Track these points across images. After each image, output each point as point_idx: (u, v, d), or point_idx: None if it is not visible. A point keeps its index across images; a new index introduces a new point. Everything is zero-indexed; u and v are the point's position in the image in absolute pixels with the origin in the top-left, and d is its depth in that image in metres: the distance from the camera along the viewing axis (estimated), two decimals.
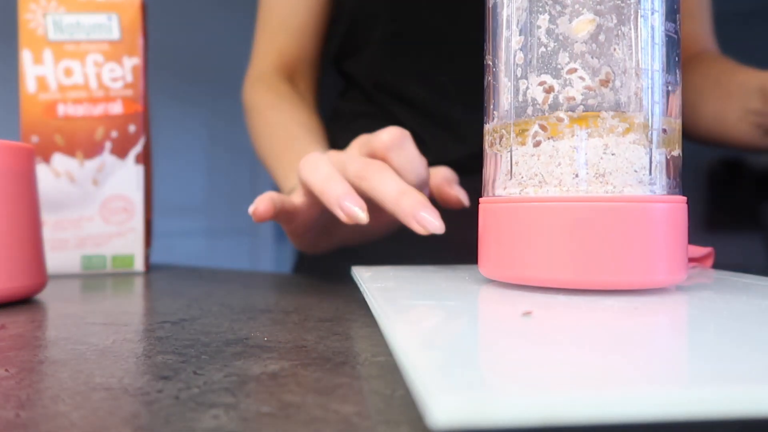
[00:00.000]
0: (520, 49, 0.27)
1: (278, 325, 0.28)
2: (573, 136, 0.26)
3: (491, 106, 0.29)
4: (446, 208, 0.39)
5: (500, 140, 0.28)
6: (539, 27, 0.27)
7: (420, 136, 0.59)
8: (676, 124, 0.28)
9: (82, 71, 0.51)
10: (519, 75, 0.27)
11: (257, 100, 0.62)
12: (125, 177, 0.51)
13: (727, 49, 0.65)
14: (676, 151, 0.28)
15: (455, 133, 0.58)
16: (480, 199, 0.30)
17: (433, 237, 0.58)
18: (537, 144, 0.27)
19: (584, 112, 0.26)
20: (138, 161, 0.52)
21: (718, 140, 0.57)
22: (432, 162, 0.58)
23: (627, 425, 0.13)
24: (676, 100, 0.28)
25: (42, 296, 0.37)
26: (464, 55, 0.53)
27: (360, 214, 0.33)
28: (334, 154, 0.38)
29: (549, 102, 0.26)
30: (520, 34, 0.27)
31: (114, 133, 0.51)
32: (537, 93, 0.27)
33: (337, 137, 0.61)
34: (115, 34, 0.52)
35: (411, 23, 0.58)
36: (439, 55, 0.58)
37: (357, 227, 0.43)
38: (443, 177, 0.40)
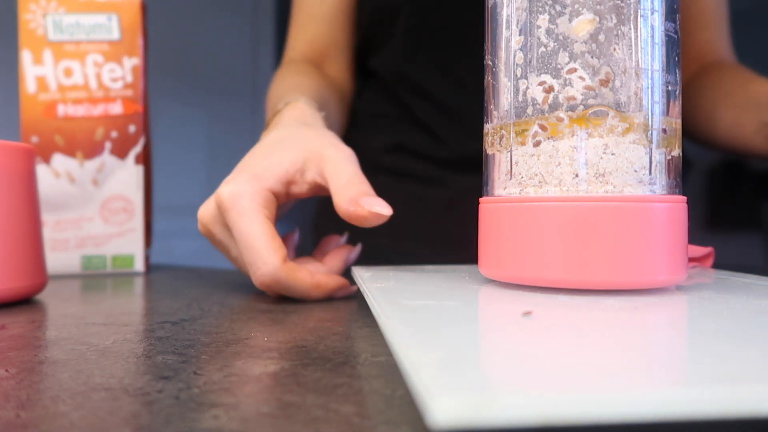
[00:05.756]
0: (520, 49, 0.27)
1: (278, 325, 0.28)
2: (573, 136, 0.26)
3: (491, 106, 0.29)
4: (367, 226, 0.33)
5: (500, 140, 0.28)
6: (539, 27, 0.27)
7: (436, 132, 0.59)
8: (676, 124, 0.28)
9: (82, 71, 0.51)
10: (519, 75, 0.27)
11: (272, 81, 0.60)
12: (125, 177, 0.51)
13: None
14: (676, 151, 0.28)
15: (473, 128, 0.58)
16: (480, 199, 0.30)
17: (434, 236, 0.58)
18: (537, 144, 0.27)
19: (584, 111, 0.26)
20: (138, 161, 0.52)
21: (737, 150, 0.57)
22: (448, 157, 0.58)
23: (627, 425, 0.13)
24: (676, 100, 0.28)
25: (42, 296, 0.37)
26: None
27: None
28: None
29: (549, 102, 0.26)
30: (520, 34, 0.27)
31: (114, 134, 0.51)
32: (537, 93, 0.27)
33: (353, 137, 0.62)
34: (115, 35, 0.52)
35: (434, 16, 0.58)
36: (460, 48, 0.58)
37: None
38: (348, 200, 0.33)
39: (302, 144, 0.35)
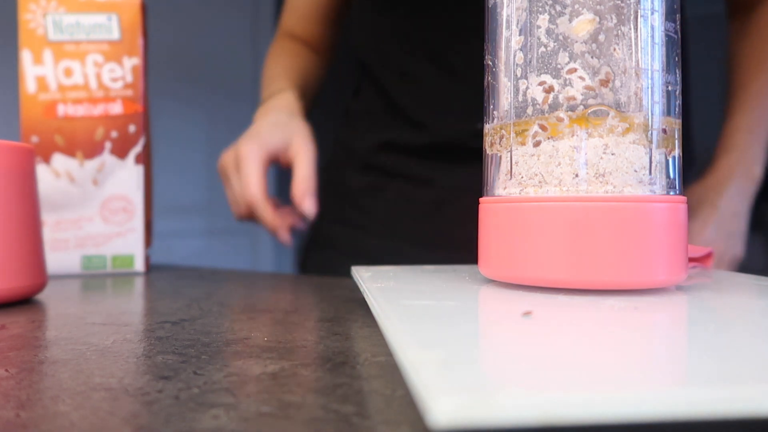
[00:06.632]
0: (520, 49, 0.27)
1: (278, 325, 0.28)
2: (573, 136, 0.26)
3: (491, 107, 0.29)
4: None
5: (500, 140, 0.28)
6: (539, 27, 0.27)
7: (418, 117, 0.58)
8: (676, 124, 0.28)
9: (82, 71, 0.51)
10: (519, 75, 0.27)
11: (268, 54, 0.71)
12: (125, 177, 0.51)
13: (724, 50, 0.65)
14: (676, 151, 0.28)
15: (456, 110, 0.57)
16: (480, 199, 0.30)
17: (424, 235, 0.58)
18: (537, 144, 0.27)
19: (584, 111, 0.26)
20: (138, 161, 0.52)
21: None
22: (432, 141, 0.58)
23: (627, 425, 0.13)
24: (676, 100, 0.28)
25: (42, 296, 0.37)
26: (478, 37, 0.52)
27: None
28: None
29: (549, 102, 0.26)
30: (520, 34, 0.27)
31: (114, 133, 0.51)
32: (537, 93, 0.27)
33: (348, 133, 0.66)
34: (115, 34, 0.52)
35: (427, 3, 0.57)
36: (453, 35, 0.57)
37: None
38: (300, 193, 0.50)
39: (289, 132, 0.54)
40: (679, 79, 0.28)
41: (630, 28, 0.26)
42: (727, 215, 0.58)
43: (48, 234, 0.50)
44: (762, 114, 0.59)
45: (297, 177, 0.50)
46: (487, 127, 0.30)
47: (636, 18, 0.26)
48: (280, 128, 0.54)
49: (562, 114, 0.26)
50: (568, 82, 0.26)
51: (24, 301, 0.35)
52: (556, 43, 0.26)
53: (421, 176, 0.58)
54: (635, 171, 0.26)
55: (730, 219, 0.58)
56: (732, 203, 0.58)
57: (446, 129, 0.57)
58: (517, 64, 0.27)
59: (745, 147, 0.58)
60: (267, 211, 0.50)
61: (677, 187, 0.28)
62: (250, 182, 0.50)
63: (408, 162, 0.59)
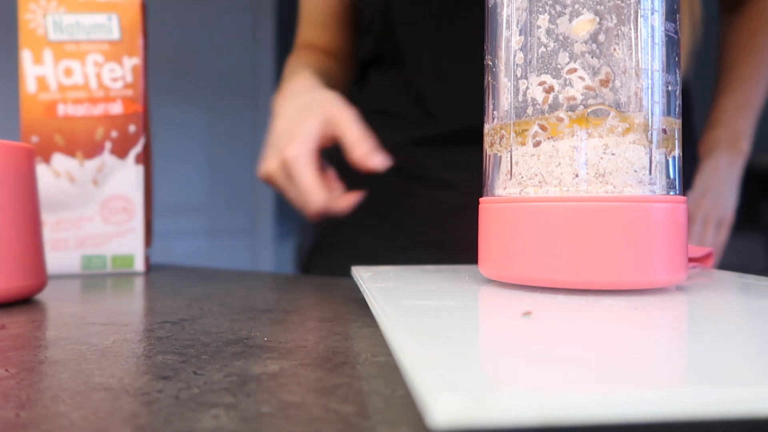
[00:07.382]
0: (520, 49, 0.27)
1: (278, 325, 0.28)
2: (573, 136, 0.26)
3: (491, 107, 0.29)
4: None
5: (500, 140, 0.28)
6: (539, 27, 0.27)
7: (431, 105, 0.58)
8: (676, 124, 0.28)
9: (82, 71, 0.51)
10: (519, 75, 0.27)
11: (286, 66, 0.69)
12: (125, 177, 0.51)
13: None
14: (676, 151, 0.28)
15: (470, 100, 0.56)
16: (480, 199, 0.30)
17: (434, 236, 0.58)
18: (537, 144, 0.27)
19: (584, 111, 0.26)
20: (138, 161, 0.52)
21: None
22: (444, 131, 0.57)
23: (627, 425, 0.13)
24: (676, 100, 0.28)
25: (42, 296, 0.37)
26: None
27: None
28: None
29: (549, 102, 0.26)
30: (520, 34, 0.27)
31: (114, 133, 0.51)
32: (537, 93, 0.27)
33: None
34: (115, 34, 0.52)
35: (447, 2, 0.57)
36: (478, 38, 0.56)
37: None
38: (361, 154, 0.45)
39: (319, 108, 0.48)
40: (679, 79, 0.28)
41: (630, 28, 0.26)
42: (713, 179, 0.62)
43: (48, 234, 0.50)
44: (748, 95, 0.62)
45: (349, 141, 0.45)
46: (487, 127, 0.30)
47: (636, 18, 0.26)
48: (310, 111, 0.49)
49: (562, 114, 0.26)
50: (568, 82, 0.26)
51: (24, 301, 0.35)
52: (556, 43, 0.26)
53: (441, 179, 0.58)
54: (635, 171, 0.26)
55: (716, 182, 0.62)
56: (718, 170, 0.62)
57: (463, 117, 0.56)
58: (517, 64, 0.27)
59: (730, 123, 0.62)
60: (339, 204, 0.47)
61: (677, 187, 0.28)
62: (311, 193, 0.45)
63: (426, 163, 0.59)
